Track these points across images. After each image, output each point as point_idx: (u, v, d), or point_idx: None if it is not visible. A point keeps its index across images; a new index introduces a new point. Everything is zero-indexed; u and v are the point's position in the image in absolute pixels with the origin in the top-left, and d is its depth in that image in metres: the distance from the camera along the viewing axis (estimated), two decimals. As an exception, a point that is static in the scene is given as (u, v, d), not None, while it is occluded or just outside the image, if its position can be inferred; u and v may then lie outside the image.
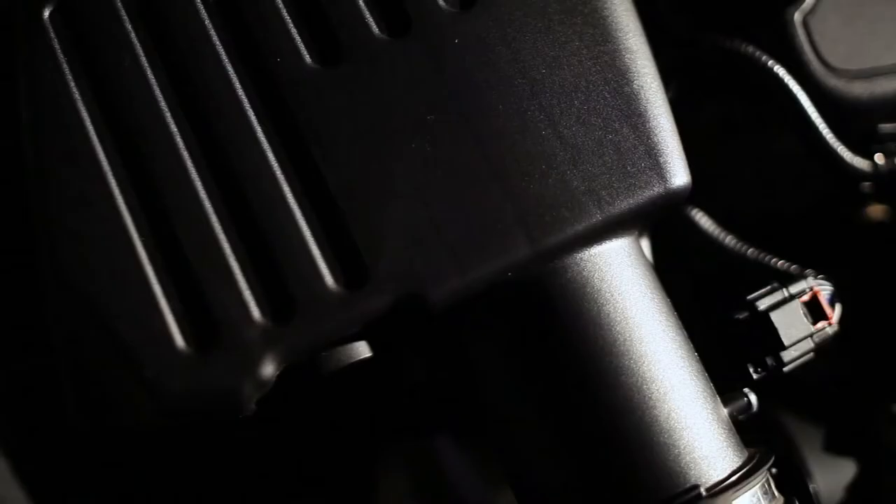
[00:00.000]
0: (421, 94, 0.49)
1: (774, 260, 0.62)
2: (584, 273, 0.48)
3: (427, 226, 0.47)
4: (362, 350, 0.49)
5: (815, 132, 0.61)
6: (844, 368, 0.68)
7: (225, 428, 0.54)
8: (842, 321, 0.57)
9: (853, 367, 0.69)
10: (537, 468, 0.49)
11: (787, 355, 0.52)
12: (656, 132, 0.49)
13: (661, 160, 0.49)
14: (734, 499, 0.46)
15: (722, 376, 0.52)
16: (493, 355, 0.49)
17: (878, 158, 0.64)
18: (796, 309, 0.52)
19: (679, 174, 0.50)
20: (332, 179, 0.48)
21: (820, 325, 0.52)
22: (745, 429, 0.53)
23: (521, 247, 0.47)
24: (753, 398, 0.52)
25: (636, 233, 0.51)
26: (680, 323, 0.51)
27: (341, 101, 0.49)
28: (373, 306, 0.47)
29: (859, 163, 0.64)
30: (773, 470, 0.52)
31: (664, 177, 0.49)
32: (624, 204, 0.48)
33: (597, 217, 0.48)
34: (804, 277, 0.54)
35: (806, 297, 0.53)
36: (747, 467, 0.47)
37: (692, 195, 0.51)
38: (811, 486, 0.62)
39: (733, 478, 0.46)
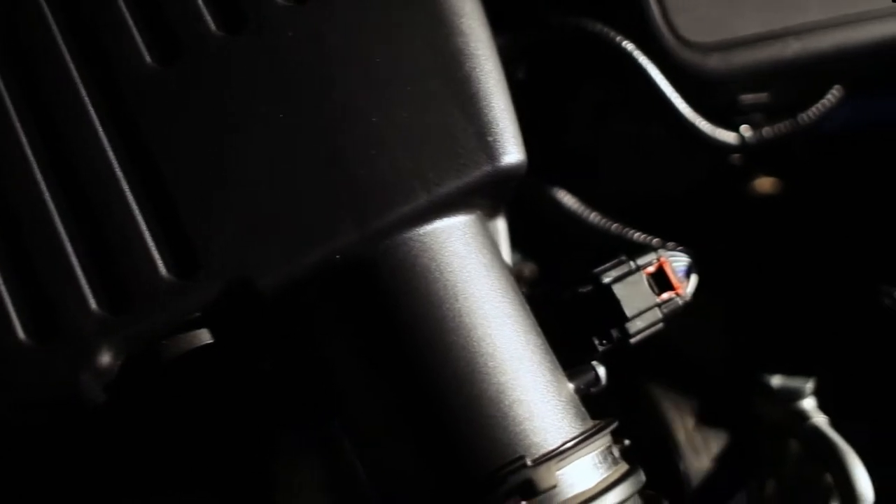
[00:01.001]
0: (255, 87, 0.50)
1: (637, 234, 0.62)
2: (414, 252, 0.49)
3: (258, 214, 0.48)
4: (203, 337, 0.50)
5: (671, 109, 0.62)
6: (724, 342, 0.69)
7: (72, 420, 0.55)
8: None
9: (732, 341, 0.69)
10: (377, 446, 0.50)
11: (632, 326, 0.52)
12: (486, 113, 0.50)
13: (491, 140, 0.50)
14: (561, 467, 0.46)
15: (569, 350, 0.52)
16: (330, 338, 0.50)
17: (745, 130, 0.65)
18: (640, 280, 0.53)
19: (510, 153, 0.50)
20: (168, 173, 0.49)
21: (666, 295, 0.53)
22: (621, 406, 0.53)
23: (349, 230, 0.48)
24: (601, 371, 0.53)
25: (477, 211, 0.52)
26: (522, 300, 0.51)
27: (178, 98, 0.50)
28: (205, 294, 0.48)
29: (724, 136, 0.64)
30: (627, 441, 0.53)
31: (493, 156, 0.50)
32: (451, 184, 0.49)
33: (423, 198, 0.48)
34: (656, 250, 0.55)
35: (651, 269, 0.53)
36: (581, 438, 0.48)
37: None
38: (680, 465, 0.63)
39: (564, 447, 0.47)
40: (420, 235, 0.49)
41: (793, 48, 0.63)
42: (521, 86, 0.64)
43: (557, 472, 0.46)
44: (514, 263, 0.66)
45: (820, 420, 0.65)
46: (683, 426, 0.66)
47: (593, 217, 0.64)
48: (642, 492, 0.50)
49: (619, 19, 0.62)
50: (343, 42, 0.50)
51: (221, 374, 0.53)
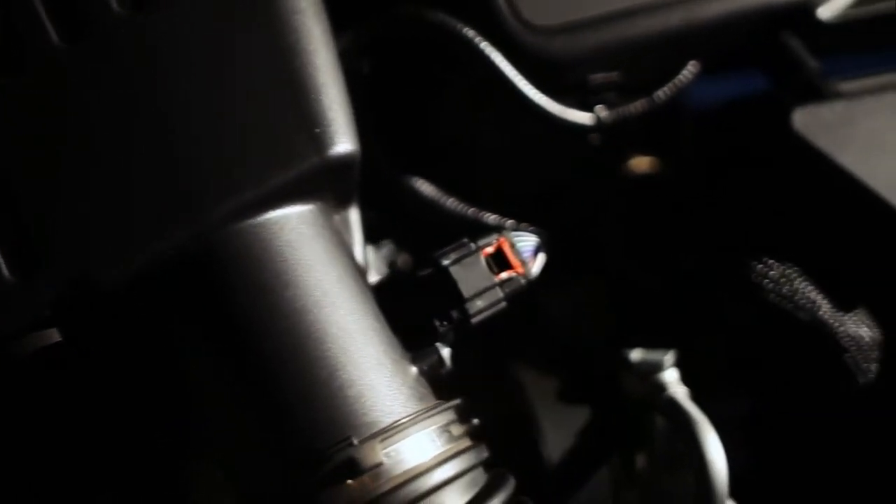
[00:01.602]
0: (93, 91, 0.51)
1: (492, 217, 0.64)
2: (246, 244, 0.50)
3: (96, 211, 0.50)
4: (51, 336, 0.51)
5: (518, 93, 0.63)
6: (600, 322, 0.71)
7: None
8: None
9: (607, 320, 0.71)
10: (225, 438, 0.51)
11: (472, 307, 0.53)
12: (315, 106, 0.52)
13: (319, 132, 0.51)
14: (388, 445, 0.48)
15: (414, 333, 0.54)
16: (174, 332, 0.51)
17: (600, 110, 0.66)
18: (477, 261, 0.54)
19: (339, 143, 0.52)
20: (13, 176, 0.50)
21: (505, 275, 0.54)
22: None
23: (181, 225, 0.49)
24: (445, 353, 0.54)
25: (317, 202, 0.54)
26: (362, 287, 0.53)
27: (23, 106, 0.51)
28: (47, 293, 0.49)
29: (576, 116, 0.66)
30: (476, 420, 0.54)
31: (321, 147, 0.51)
32: (279, 176, 0.51)
33: (252, 191, 0.50)
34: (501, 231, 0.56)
35: (490, 249, 0.55)
36: (412, 416, 0.50)
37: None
38: (540, 441, 0.65)
39: (392, 426, 0.49)
40: (252, 227, 0.51)
41: (639, 26, 0.64)
42: (379, 79, 0.66)
43: (387, 450, 0.48)
44: (389, 253, 0.68)
45: (677, 391, 0.66)
46: (546, 403, 0.68)
47: (450, 203, 0.65)
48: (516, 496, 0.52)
49: (465, 7, 0.64)
50: (177, 44, 0.52)
51: (77, 374, 0.55)
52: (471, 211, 0.65)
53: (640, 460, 0.69)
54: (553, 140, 0.69)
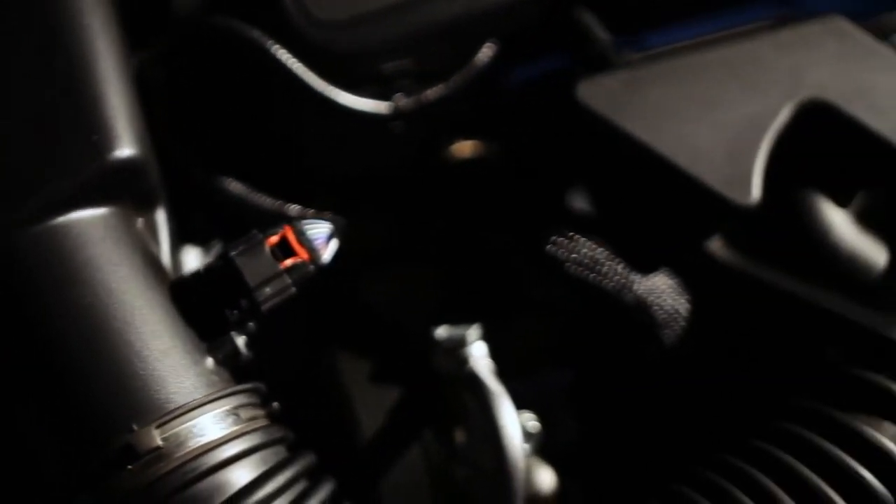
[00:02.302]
0: None
1: (296, 208, 0.66)
2: (32, 248, 0.53)
3: None
4: None
5: (308, 89, 0.65)
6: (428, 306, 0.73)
7: None
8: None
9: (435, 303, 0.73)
10: (28, 439, 0.54)
11: (260, 294, 0.55)
12: (95, 114, 0.55)
13: (97, 138, 0.54)
14: (169, 430, 0.50)
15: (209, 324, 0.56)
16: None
17: (398, 98, 0.68)
18: (261, 250, 0.56)
19: (119, 149, 0.55)
20: None
21: (289, 262, 0.56)
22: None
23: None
24: (240, 341, 0.57)
25: (110, 207, 0.56)
26: (156, 285, 0.55)
27: None
28: None
29: (370, 106, 0.68)
30: (276, 404, 0.57)
31: (99, 153, 0.54)
32: (60, 183, 0.53)
33: (35, 198, 0.53)
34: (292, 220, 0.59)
35: (275, 238, 0.57)
36: (198, 402, 0.52)
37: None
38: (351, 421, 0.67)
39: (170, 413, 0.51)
40: (39, 231, 0.53)
41: (423, 15, 0.67)
42: (184, 85, 0.68)
43: (167, 434, 0.51)
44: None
45: (478, 365, 0.69)
46: (361, 385, 0.70)
47: (257, 199, 0.68)
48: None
49: (255, 9, 0.66)
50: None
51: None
52: (277, 204, 0.68)
53: (459, 435, 0.71)
54: (366, 131, 0.71)
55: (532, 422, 0.71)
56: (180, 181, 0.67)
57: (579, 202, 0.71)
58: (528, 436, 0.70)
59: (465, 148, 0.77)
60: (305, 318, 0.72)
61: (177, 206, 0.66)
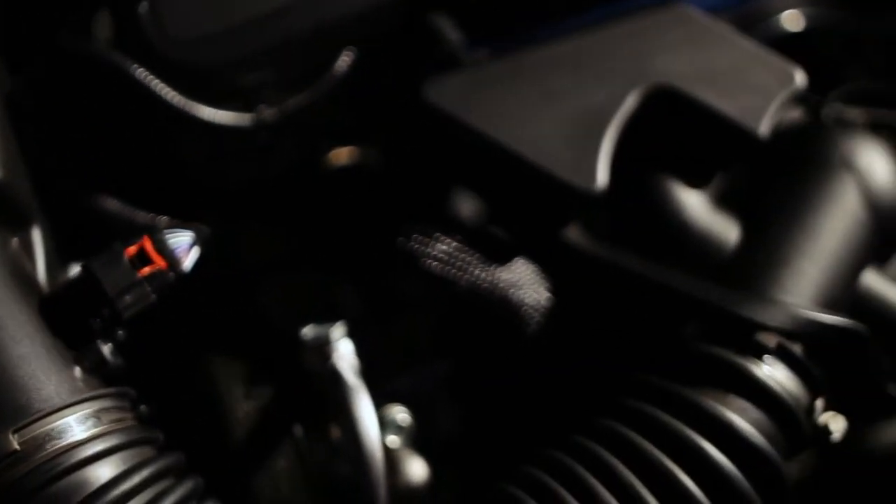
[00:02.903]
0: None
1: (165, 220, 0.69)
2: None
3: None
4: None
5: (165, 104, 0.68)
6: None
7: None
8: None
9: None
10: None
11: (120, 303, 0.58)
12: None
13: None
14: (27, 434, 0.52)
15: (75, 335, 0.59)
16: None
17: (262, 109, 0.71)
18: (119, 260, 0.59)
19: None
20: None
21: (147, 270, 0.59)
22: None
23: None
24: (105, 349, 0.59)
25: None
26: (19, 298, 0.58)
27: None
28: None
29: (231, 119, 0.71)
30: (143, 406, 0.60)
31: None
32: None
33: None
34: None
35: (133, 249, 0.59)
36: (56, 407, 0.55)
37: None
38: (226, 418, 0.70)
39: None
40: None
41: (280, 27, 0.69)
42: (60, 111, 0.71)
43: (24, 439, 0.53)
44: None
45: (339, 360, 0.71)
46: (237, 386, 0.73)
47: (132, 213, 0.70)
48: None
49: (118, 29, 0.68)
50: None
51: None
52: (149, 218, 0.70)
53: (335, 432, 0.73)
54: (236, 144, 0.74)
55: (402, 415, 0.74)
56: (62, 200, 0.70)
57: (447, 201, 0.74)
58: (398, 429, 0.74)
59: (342, 155, 0.80)
60: (182, 325, 0.75)
61: (65, 225, 0.69)
